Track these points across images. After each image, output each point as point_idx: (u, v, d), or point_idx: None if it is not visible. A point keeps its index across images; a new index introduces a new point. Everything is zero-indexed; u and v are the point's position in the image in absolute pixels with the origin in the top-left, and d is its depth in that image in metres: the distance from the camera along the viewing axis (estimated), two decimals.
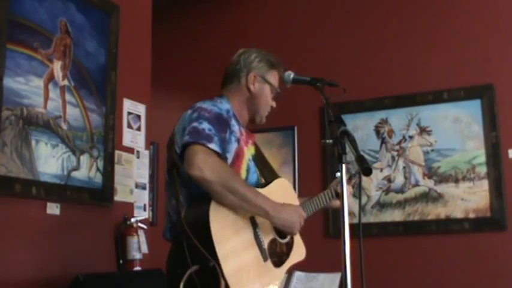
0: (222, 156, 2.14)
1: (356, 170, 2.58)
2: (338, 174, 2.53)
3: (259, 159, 2.50)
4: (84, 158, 3.04)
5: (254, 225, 2.18)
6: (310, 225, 4.42)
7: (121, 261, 3.14)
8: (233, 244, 2.08)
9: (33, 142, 2.76)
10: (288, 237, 2.33)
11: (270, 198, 2.19)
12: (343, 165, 1.86)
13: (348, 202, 2.41)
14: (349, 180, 2.63)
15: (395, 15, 4.54)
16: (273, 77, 2.44)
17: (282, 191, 2.39)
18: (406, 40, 4.47)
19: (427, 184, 4.23)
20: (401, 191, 4.30)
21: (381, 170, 4.36)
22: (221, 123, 2.21)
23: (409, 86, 4.37)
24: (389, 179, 4.34)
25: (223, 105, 2.32)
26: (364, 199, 4.35)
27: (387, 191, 4.33)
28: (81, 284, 2.61)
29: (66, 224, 2.91)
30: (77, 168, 2.99)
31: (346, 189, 1.86)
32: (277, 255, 2.26)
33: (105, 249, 3.13)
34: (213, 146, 2.10)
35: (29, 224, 2.74)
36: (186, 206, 2.15)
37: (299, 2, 4.91)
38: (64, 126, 2.95)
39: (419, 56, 4.40)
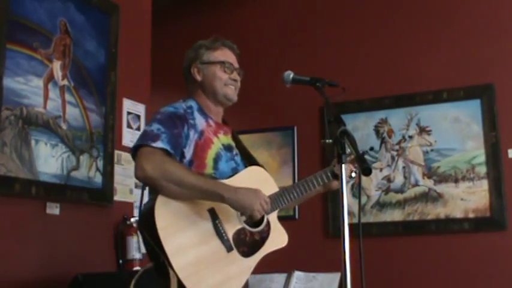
0: (171, 152, 2.18)
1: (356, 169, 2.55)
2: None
3: (241, 150, 2.49)
4: (84, 158, 3.04)
5: (214, 217, 2.17)
6: (310, 225, 4.45)
7: (121, 261, 3.14)
8: (185, 238, 2.09)
9: (32, 142, 2.77)
10: (262, 226, 2.29)
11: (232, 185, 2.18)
12: (343, 166, 1.86)
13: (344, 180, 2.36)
14: (352, 161, 2.53)
15: (395, 15, 4.54)
16: (214, 55, 2.46)
17: (253, 179, 2.35)
18: (405, 40, 4.46)
19: (426, 184, 4.23)
20: (401, 190, 4.30)
21: (381, 169, 4.36)
22: (174, 120, 2.26)
23: (408, 86, 4.37)
24: (389, 179, 4.34)
25: (186, 104, 2.39)
26: (363, 199, 4.35)
27: (387, 190, 4.32)
28: (81, 283, 2.61)
29: (65, 224, 2.91)
30: (76, 168, 2.99)
31: (346, 189, 1.85)
32: (247, 244, 2.22)
33: (104, 249, 3.13)
34: (158, 143, 2.15)
35: (28, 224, 2.74)
36: (141, 206, 2.22)
37: (299, 2, 4.91)
38: (64, 126, 2.95)
39: (419, 56, 4.40)
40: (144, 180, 2.14)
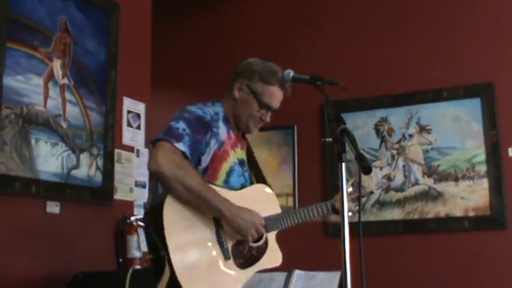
0: (188, 156, 2.19)
1: (356, 170, 2.58)
2: (350, 189, 2.55)
3: (252, 165, 2.53)
4: (84, 157, 3.04)
5: (217, 225, 2.22)
6: (310, 223, 4.44)
7: (121, 260, 3.14)
8: (187, 237, 2.13)
9: (33, 141, 2.77)
10: (261, 242, 2.34)
11: (235, 201, 2.22)
12: (343, 164, 1.86)
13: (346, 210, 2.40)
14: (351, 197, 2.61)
15: (395, 13, 4.54)
16: (263, 90, 2.40)
17: (256, 197, 2.41)
18: (406, 38, 4.46)
19: (426, 183, 4.23)
20: (401, 189, 4.30)
21: (381, 168, 4.35)
22: (200, 125, 2.27)
23: (408, 85, 4.37)
24: (389, 178, 4.34)
25: (213, 109, 2.37)
26: (364, 198, 4.35)
27: (387, 189, 4.32)
28: (81, 282, 2.62)
29: (65, 222, 2.91)
30: (76, 166, 2.99)
31: (346, 190, 1.85)
32: (244, 257, 2.28)
33: (104, 247, 3.14)
34: (180, 145, 2.16)
35: (28, 223, 2.74)
36: (151, 197, 2.28)
37: (299, 1, 4.91)
38: (64, 125, 2.95)
39: (419, 55, 4.39)
40: (155, 174, 2.16)
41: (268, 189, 2.49)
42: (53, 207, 2.86)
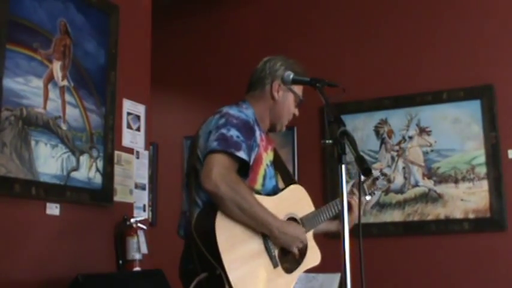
0: (249, 164, 2.20)
1: (356, 171, 2.59)
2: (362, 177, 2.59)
3: (278, 164, 2.54)
4: (84, 159, 3.04)
5: (264, 234, 2.23)
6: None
7: (120, 262, 3.14)
8: (240, 253, 2.13)
9: (32, 142, 2.76)
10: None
11: (274, 207, 2.23)
12: (343, 166, 1.86)
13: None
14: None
15: (395, 15, 4.54)
16: (297, 86, 2.46)
17: (294, 198, 2.44)
18: (405, 40, 4.46)
19: (426, 184, 4.23)
20: (401, 191, 4.30)
21: (381, 170, 4.35)
22: (248, 130, 2.26)
23: (408, 87, 4.37)
24: (388, 180, 4.33)
25: (250, 111, 2.37)
26: (363, 199, 4.34)
27: (387, 191, 4.32)
28: (81, 284, 2.61)
29: (65, 224, 2.91)
30: (76, 168, 2.99)
31: (346, 190, 1.85)
32: (289, 261, 2.32)
33: (104, 249, 3.13)
34: (241, 154, 2.15)
35: (28, 225, 2.74)
36: (197, 212, 2.21)
37: (299, 2, 4.91)
38: (63, 127, 2.95)
39: (419, 56, 4.40)
40: (213, 195, 2.12)
41: (300, 189, 2.53)
42: (53, 209, 2.86)
